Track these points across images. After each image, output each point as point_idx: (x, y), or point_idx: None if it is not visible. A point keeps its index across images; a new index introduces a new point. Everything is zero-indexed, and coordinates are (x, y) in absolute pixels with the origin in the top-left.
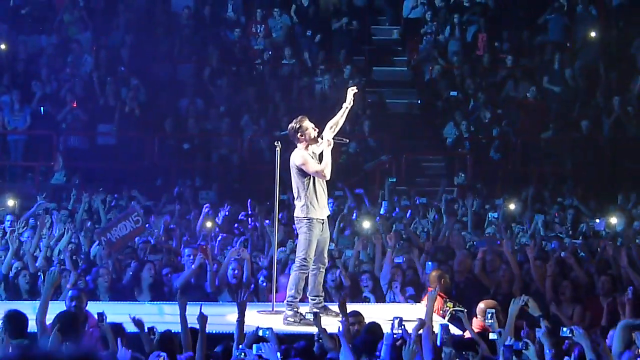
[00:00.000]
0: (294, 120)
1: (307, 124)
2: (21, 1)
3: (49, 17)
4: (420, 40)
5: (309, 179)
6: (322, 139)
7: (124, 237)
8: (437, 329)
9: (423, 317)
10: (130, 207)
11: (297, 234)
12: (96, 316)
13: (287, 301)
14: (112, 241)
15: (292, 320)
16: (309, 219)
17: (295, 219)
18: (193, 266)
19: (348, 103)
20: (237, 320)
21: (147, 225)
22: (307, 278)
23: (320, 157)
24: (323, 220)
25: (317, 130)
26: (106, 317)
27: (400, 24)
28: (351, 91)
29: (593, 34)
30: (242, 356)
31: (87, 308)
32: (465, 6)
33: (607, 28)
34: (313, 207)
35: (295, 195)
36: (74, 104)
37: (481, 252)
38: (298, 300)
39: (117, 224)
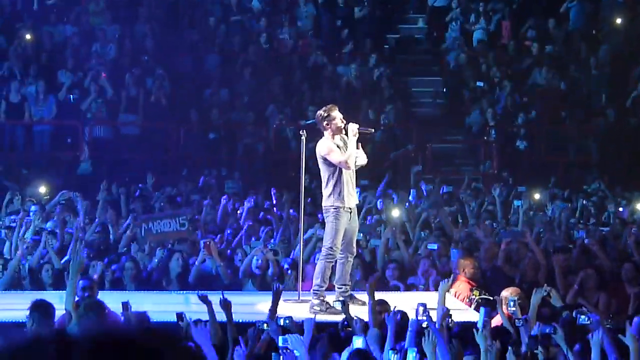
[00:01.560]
0: (323, 109)
1: (336, 113)
2: None
3: (74, 7)
4: (445, 29)
5: (335, 167)
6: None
7: (165, 233)
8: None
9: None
10: (183, 209)
11: (324, 223)
12: (120, 306)
13: (314, 290)
14: (151, 231)
15: (319, 309)
16: (335, 208)
17: (322, 207)
18: (197, 262)
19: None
20: (269, 309)
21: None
22: (334, 267)
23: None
24: (350, 209)
25: (345, 121)
26: (131, 307)
27: (425, 12)
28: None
29: (619, 21)
30: (265, 327)
31: (112, 298)
32: None
33: (633, 14)
34: (340, 195)
35: (323, 184)
36: (104, 75)
37: (505, 244)
38: (324, 289)
39: (164, 218)
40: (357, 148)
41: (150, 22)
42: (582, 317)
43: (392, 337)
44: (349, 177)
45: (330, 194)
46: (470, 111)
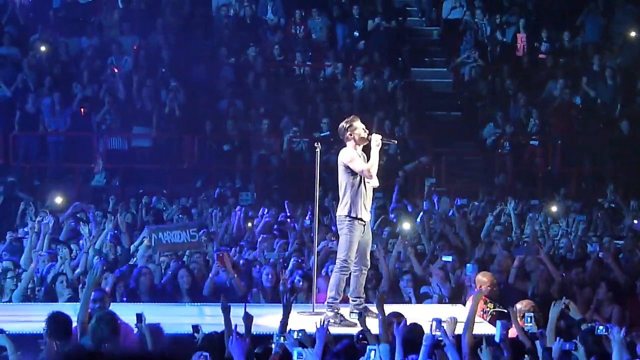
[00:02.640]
0: (345, 120)
1: (358, 123)
2: (62, 3)
3: (89, 19)
4: (460, 41)
5: (356, 178)
6: (370, 140)
7: (174, 244)
8: (482, 329)
9: (459, 318)
10: (194, 220)
11: (338, 235)
12: (135, 317)
13: (328, 302)
14: (161, 242)
15: (333, 321)
16: (350, 219)
17: (337, 218)
18: (210, 274)
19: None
20: (280, 322)
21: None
22: (348, 279)
23: (369, 158)
24: (365, 222)
25: (367, 131)
26: (145, 318)
27: (439, 25)
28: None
29: (633, 34)
30: (282, 341)
31: (126, 309)
32: (504, 7)
33: None
34: (356, 206)
35: (341, 194)
36: (116, 70)
37: (517, 261)
38: (339, 301)
39: (174, 230)
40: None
41: (165, 33)
42: (601, 327)
43: (401, 349)
44: (366, 191)
45: (346, 204)
46: (484, 123)
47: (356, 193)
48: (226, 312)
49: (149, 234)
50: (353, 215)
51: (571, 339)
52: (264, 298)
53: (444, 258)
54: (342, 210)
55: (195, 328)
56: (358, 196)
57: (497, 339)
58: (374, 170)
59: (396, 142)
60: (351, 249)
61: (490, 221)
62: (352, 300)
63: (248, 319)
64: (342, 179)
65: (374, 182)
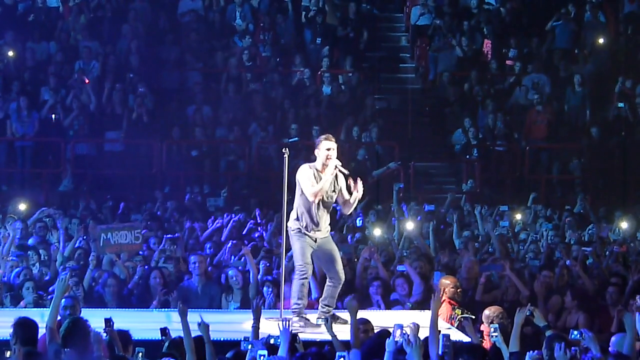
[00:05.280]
0: (320, 136)
1: (323, 144)
2: (28, 9)
3: (57, 24)
4: (428, 47)
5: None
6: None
7: (121, 245)
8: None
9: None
10: (137, 222)
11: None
12: (103, 322)
13: (292, 309)
14: (109, 242)
15: (298, 325)
16: (296, 230)
17: (287, 228)
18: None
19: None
20: (252, 326)
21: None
22: (324, 286)
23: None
24: (315, 238)
25: (329, 157)
26: (113, 323)
27: (408, 31)
28: (356, 185)
29: (601, 41)
30: (249, 347)
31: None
32: (473, 13)
33: (616, 35)
34: (303, 222)
35: (294, 205)
36: (87, 81)
37: (484, 277)
38: (302, 306)
39: (121, 230)
40: (350, 194)
41: (133, 39)
42: (575, 332)
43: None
44: (320, 209)
45: (294, 218)
46: (453, 129)
47: (305, 209)
48: (184, 317)
49: (99, 234)
50: (298, 228)
51: (538, 345)
52: (232, 300)
53: (399, 268)
54: (290, 222)
55: (164, 331)
56: (306, 213)
57: (439, 352)
58: (314, 192)
59: (348, 172)
60: (304, 254)
61: (456, 227)
62: (321, 307)
63: (204, 328)
64: (297, 192)
65: (346, 209)
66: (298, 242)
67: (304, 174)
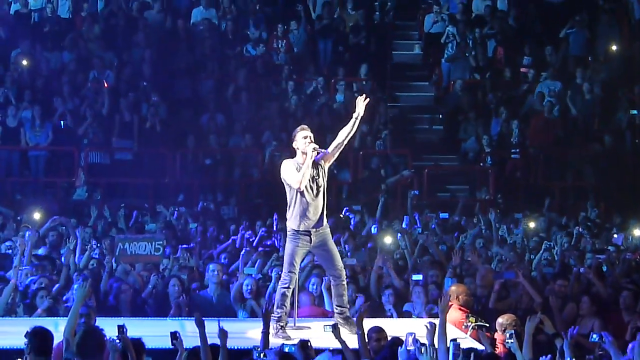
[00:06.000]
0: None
1: (300, 134)
2: (44, 18)
3: (70, 33)
4: (441, 55)
5: (292, 189)
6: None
7: (138, 256)
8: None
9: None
10: (159, 234)
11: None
12: (116, 329)
13: (272, 316)
14: (126, 252)
15: (271, 332)
16: (290, 231)
17: None
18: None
19: (357, 113)
20: (262, 332)
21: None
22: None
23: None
24: (310, 232)
25: (308, 145)
26: (126, 330)
27: (421, 39)
28: (360, 100)
29: (614, 48)
30: (262, 357)
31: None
32: (486, 21)
33: (629, 42)
34: (296, 219)
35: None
36: (106, 85)
37: (497, 285)
38: (281, 313)
39: (141, 241)
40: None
41: (147, 48)
42: (595, 335)
43: None
44: (311, 200)
45: (289, 218)
46: (466, 138)
47: (295, 205)
48: (201, 327)
49: (116, 243)
50: (292, 227)
51: (552, 353)
52: (245, 311)
53: (414, 277)
54: (287, 223)
55: (174, 335)
56: (297, 208)
57: None
58: (297, 179)
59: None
60: (292, 263)
61: (472, 234)
62: (334, 309)
63: (223, 335)
64: (286, 190)
65: (294, 184)
66: (290, 245)
67: (285, 166)
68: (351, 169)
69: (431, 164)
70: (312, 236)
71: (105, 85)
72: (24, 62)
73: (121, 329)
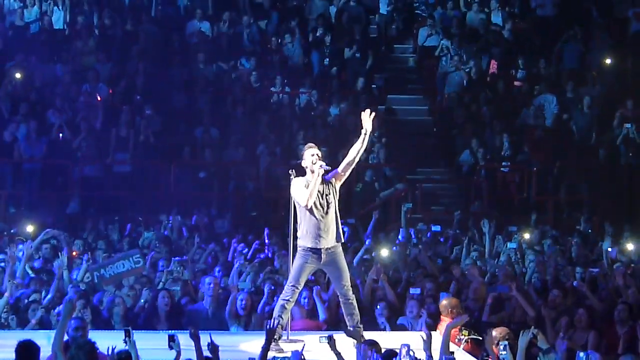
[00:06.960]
0: (307, 145)
1: (308, 152)
2: (41, 30)
3: (64, 46)
4: (436, 68)
5: (301, 207)
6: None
7: (120, 274)
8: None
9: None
10: (132, 250)
11: None
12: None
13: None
14: (104, 277)
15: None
16: (300, 248)
17: None
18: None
19: (365, 129)
20: (262, 347)
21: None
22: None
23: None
24: (318, 249)
25: (316, 162)
26: (133, 333)
27: (415, 52)
28: (366, 115)
29: (608, 62)
30: None
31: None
32: (480, 34)
33: (623, 56)
34: (305, 237)
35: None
36: (99, 99)
37: (491, 298)
38: (279, 325)
39: (115, 262)
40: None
41: (141, 61)
42: (582, 354)
43: None
44: (320, 218)
45: (300, 233)
46: (460, 150)
47: (304, 222)
48: (196, 340)
49: (91, 274)
50: (301, 244)
51: None
52: (238, 325)
53: (412, 290)
54: (298, 240)
55: (171, 337)
56: (307, 226)
57: None
58: (304, 198)
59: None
60: (298, 278)
61: (463, 247)
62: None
63: (214, 349)
64: (297, 208)
65: (301, 202)
66: (298, 261)
67: (295, 185)
68: (345, 182)
69: (424, 177)
70: (322, 254)
71: (99, 98)
72: (17, 75)
73: (128, 332)
